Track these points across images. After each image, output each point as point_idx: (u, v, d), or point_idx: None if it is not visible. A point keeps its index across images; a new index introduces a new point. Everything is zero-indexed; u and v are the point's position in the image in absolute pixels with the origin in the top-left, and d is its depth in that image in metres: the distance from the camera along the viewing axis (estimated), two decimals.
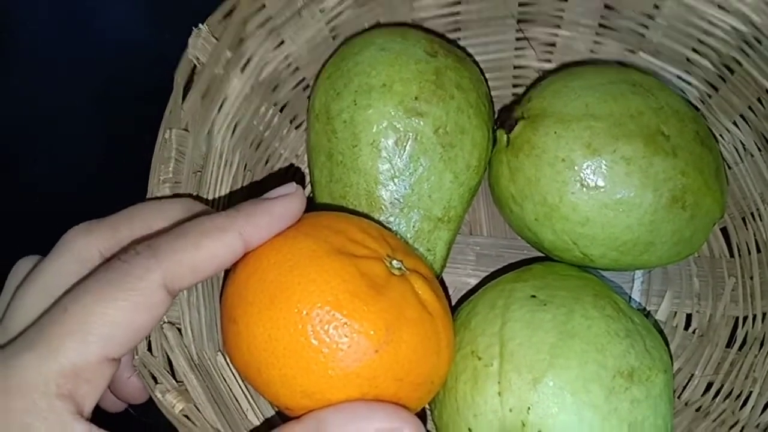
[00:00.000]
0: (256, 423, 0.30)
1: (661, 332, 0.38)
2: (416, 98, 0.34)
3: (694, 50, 0.38)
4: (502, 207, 0.38)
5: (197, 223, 0.26)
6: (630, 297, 0.41)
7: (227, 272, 0.29)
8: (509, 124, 0.36)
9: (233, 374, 0.31)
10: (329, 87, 0.36)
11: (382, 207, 0.35)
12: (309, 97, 0.39)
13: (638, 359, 0.30)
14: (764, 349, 0.36)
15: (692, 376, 0.38)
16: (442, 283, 0.38)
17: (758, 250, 0.38)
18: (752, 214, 0.38)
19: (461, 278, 0.41)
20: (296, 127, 0.40)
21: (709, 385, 0.38)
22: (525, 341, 0.30)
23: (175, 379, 0.28)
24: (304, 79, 0.39)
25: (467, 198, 0.37)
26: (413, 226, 0.35)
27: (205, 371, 0.30)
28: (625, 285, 0.41)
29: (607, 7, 0.38)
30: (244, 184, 0.37)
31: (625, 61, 0.40)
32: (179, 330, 0.29)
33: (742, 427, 0.34)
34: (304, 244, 0.27)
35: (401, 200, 0.35)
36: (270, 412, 0.32)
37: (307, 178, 0.41)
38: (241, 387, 0.31)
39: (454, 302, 0.40)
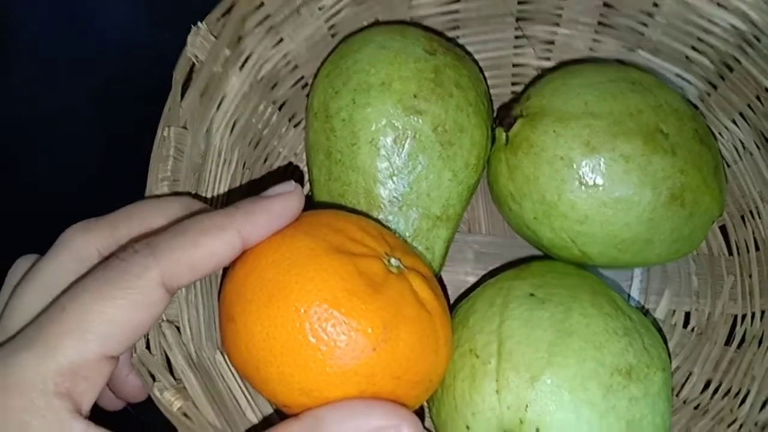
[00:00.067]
0: (255, 421, 0.30)
1: (659, 330, 0.39)
2: (415, 96, 0.34)
3: (694, 48, 0.38)
4: (500, 205, 0.38)
5: (196, 221, 0.26)
6: (629, 295, 0.41)
7: (226, 270, 0.29)
8: (508, 123, 0.36)
9: (232, 372, 0.31)
10: (328, 85, 0.36)
11: (381, 205, 0.35)
12: (308, 96, 0.39)
13: (636, 357, 0.30)
14: (763, 347, 0.36)
15: (691, 374, 0.38)
16: (440, 281, 0.38)
17: (757, 248, 0.38)
18: (751, 212, 0.38)
19: (460, 276, 0.41)
20: (295, 126, 0.40)
21: (708, 383, 0.38)
22: (523, 339, 0.30)
23: (174, 377, 0.28)
24: (302, 77, 0.39)
25: (466, 196, 0.37)
26: (412, 225, 0.35)
27: (204, 369, 0.30)
28: (624, 283, 0.41)
29: (606, 5, 0.38)
30: (243, 183, 0.37)
31: (624, 60, 0.40)
32: (178, 328, 0.29)
33: (741, 425, 0.34)
34: (303, 243, 0.27)
35: (400, 198, 0.35)
36: (268, 410, 0.32)
37: (306, 177, 0.41)
38: (239, 385, 0.31)
39: (453, 300, 0.40)
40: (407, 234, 0.35)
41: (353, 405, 0.26)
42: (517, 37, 0.41)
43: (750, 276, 0.38)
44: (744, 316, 0.38)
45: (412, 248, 0.35)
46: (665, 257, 0.36)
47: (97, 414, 0.25)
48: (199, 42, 0.33)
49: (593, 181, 0.33)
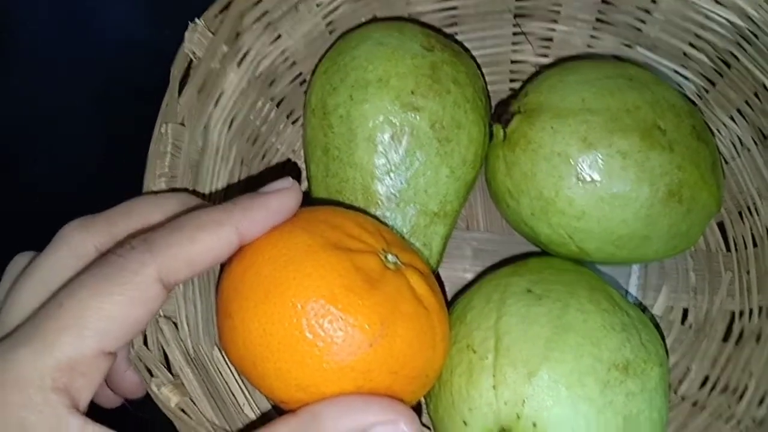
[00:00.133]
0: (252, 417, 0.31)
1: (657, 326, 0.38)
2: (413, 93, 0.34)
3: (691, 45, 0.38)
4: (498, 202, 0.38)
5: (193, 216, 0.27)
6: (626, 291, 0.41)
7: (223, 266, 0.29)
8: (506, 119, 0.36)
9: (229, 368, 0.31)
10: (326, 82, 0.36)
11: (379, 202, 0.35)
12: (305, 92, 0.39)
13: (634, 353, 0.30)
14: (760, 343, 0.36)
15: (689, 370, 0.38)
16: (438, 277, 0.39)
17: (755, 245, 0.38)
18: (749, 208, 0.38)
19: (458, 273, 0.41)
20: (293, 122, 0.41)
21: (706, 379, 0.38)
22: (520, 335, 0.30)
23: (171, 373, 0.28)
24: (300, 73, 0.39)
25: (463, 193, 0.37)
26: (409, 221, 0.35)
27: (201, 365, 0.30)
28: (622, 279, 0.41)
29: (604, 1, 0.38)
30: (241, 179, 0.37)
31: (621, 56, 0.40)
32: (175, 324, 0.29)
33: (738, 421, 0.34)
34: (300, 239, 0.27)
35: (397, 195, 0.35)
36: (266, 406, 0.32)
37: (304, 173, 0.41)
38: (237, 381, 0.31)
39: (450, 297, 0.40)
40: (405, 230, 0.35)
41: (350, 401, 0.26)
42: (515, 34, 0.41)
43: (748, 272, 0.38)
44: (742, 313, 0.38)
45: (410, 244, 0.35)
46: (663, 253, 0.36)
47: (95, 411, 0.25)
48: (196, 38, 0.33)
49: (590, 178, 0.33)
